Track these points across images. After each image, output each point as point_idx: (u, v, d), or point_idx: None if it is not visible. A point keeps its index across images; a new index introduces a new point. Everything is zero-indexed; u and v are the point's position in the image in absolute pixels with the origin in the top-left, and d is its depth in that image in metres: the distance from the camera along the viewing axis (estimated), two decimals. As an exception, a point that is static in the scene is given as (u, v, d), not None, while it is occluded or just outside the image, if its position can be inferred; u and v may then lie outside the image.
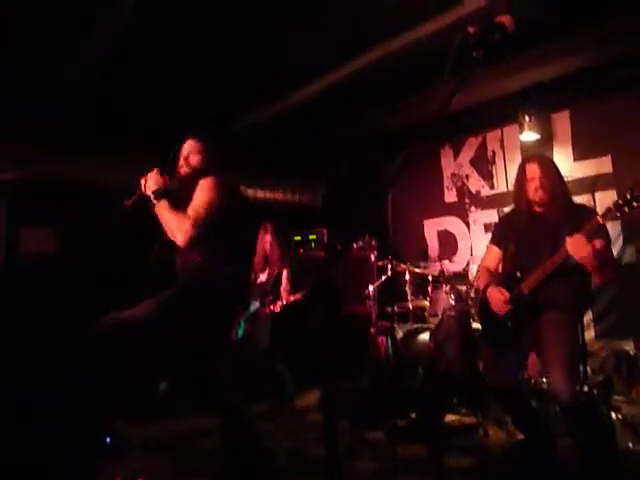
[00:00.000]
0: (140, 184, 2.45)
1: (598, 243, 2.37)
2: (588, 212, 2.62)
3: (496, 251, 2.90)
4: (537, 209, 2.70)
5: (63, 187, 4.71)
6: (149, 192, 2.39)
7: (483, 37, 1.23)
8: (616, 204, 2.28)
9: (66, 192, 4.71)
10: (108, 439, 2.85)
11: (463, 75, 1.26)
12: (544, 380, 3.49)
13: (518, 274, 2.59)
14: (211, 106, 4.93)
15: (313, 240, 5.80)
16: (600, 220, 2.33)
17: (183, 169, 2.53)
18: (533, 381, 3.57)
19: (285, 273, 4.54)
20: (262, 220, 4.83)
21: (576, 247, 2.33)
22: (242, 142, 5.56)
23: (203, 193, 2.33)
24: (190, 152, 2.56)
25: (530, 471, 2.70)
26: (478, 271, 2.99)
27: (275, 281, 4.53)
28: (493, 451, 3.14)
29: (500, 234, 2.91)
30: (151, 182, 2.40)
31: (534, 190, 2.64)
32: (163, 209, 2.34)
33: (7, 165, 4.33)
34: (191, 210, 2.30)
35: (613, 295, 4.29)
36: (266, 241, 4.57)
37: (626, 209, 2.25)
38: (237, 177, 2.62)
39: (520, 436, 3.12)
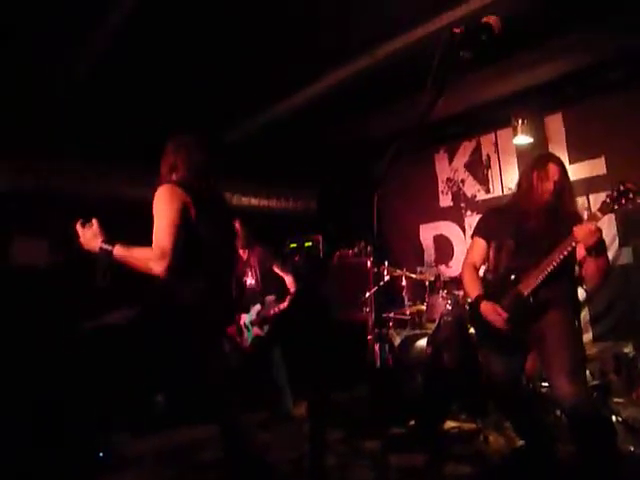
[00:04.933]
0: (83, 247, 2.27)
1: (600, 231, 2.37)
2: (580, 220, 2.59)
3: (482, 245, 2.80)
4: (544, 211, 2.62)
5: (56, 199, 4.69)
6: (98, 248, 2.21)
7: (469, 37, 1.21)
8: (611, 196, 2.30)
9: (59, 204, 4.69)
10: (101, 454, 2.81)
11: (451, 76, 1.24)
12: (543, 384, 3.46)
13: (512, 277, 2.54)
14: (203, 118, 4.92)
15: (309, 247, 5.77)
16: (599, 214, 2.32)
17: None
18: (531, 385, 3.53)
19: (276, 268, 4.44)
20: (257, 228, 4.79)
21: (585, 234, 2.31)
22: (235, 151, 5.56)
23: (155, 209, 2.21)
24: None
25: (530, 478, 2.66)
26: (463, 268, 2.85)
27: (267, 279, 4.43)
28: (493, 458, 3.10)
29: (488, 227, 2.80)
30: (92, 239, 2.24)
31: (549, 190, 2.60)
32: (122, 252, 2.20)
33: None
34: (154, 235, 2.17)
35: (610, 297, 4.27)
36: None
37: (623, 200, 2.27)
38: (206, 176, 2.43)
39: (520, 442, 3.09)
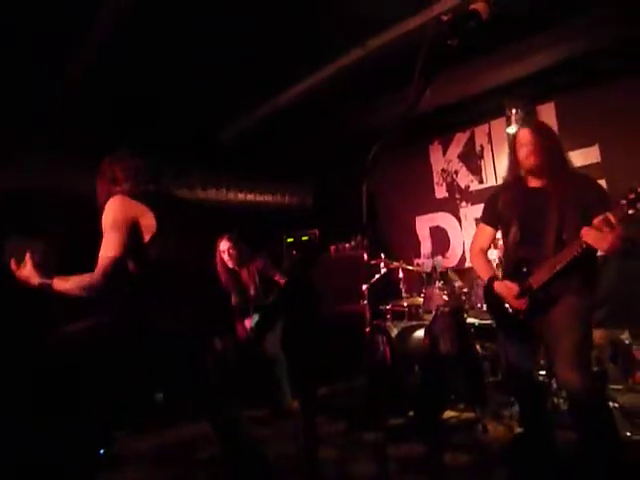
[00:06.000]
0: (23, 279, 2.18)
1: (618, 228, 2.18)
2: (592, 185, 2.47)
3: (489, 231, 2.76)
4: (533, 183, 2.55)
5: (49, 199, 4.67)
6: (37, 284, 2.14)
7: (457, 25, 1.21)
8: (630, 199, 2.11)
9: (52, 204, 4.68)
10: (102, 450, 2.82)
11: (439, 66, 1.23)
12: (540, 372, 3.47)
13: (524, 269, 2.48)
14: (197, 116, 4.92)
15: (305, 241, 5.77)
16: (612, 218, 2.17)
17: None
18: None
19: (277, 277, 4.47)
20: (252, 222, 4.78)
21: (597, 237, 2.19)
22: (230, 147, 5.55)
23: (103, 224, 2.14)
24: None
25: (530, 465, 2.67)
26: (472, 255, 2.82)
27: (269, 288, 4.45)
28: (492, 447, 3.11)
29: (492, 212, 2.72)
30: (29, 276, 2.16)
31: (525, 156, 2.49)
32: (61, 285, 2.12)
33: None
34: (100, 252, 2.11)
35: (606, 285, 4.28)
36: (225, 257, 4.33)
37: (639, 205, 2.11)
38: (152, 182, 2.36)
39: (518, 430, 3.10)
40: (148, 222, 2.18)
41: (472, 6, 1.26)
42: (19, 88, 4.09)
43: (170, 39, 3.69)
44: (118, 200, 2.18)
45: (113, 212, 2.14)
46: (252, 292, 4.42)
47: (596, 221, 2.24)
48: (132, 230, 2.15)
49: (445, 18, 1.23)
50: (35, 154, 4.61)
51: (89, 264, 2.14)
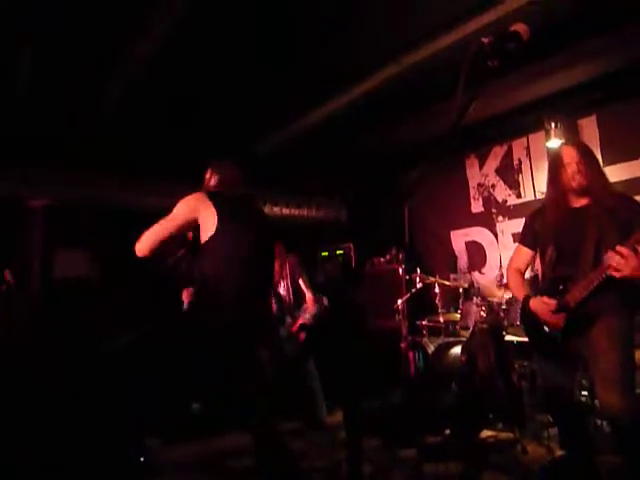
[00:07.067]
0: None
1: None
2: (631, 203, 2.42)
3: (526, 252, 2.72)
4: (575, 203, 2.50)
5: (95, 211, 4.86)
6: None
7: (498, 46, 1.22)
8: None
9: (98, 216, 4.87)
10: (142, 458, 2.89)
11: (479, 85, 1.25)
12: (582, 393, 3.37)
13: (561, 287, 2.43)
14: (236, 129, 5.03)
15: (340, 255, 5.80)
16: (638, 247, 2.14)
17: None
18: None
19: (302, 282, 4.47)
20: (287, 236, 4.82)
21: (621, 263, 2.15)
22: (267, 162, 5.65)
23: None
24: None
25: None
26: (508, 275, 2.79)
27: (297, 290, 4.46)
28: (532, 468, 3.03)
29: (531, 234, 2.70)
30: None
31: (571, 176, 2.44)
32: None
33: (39, 192, 4.50)
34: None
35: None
36: None
37: None
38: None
39: (559, 452, 3.02)
40: (209, 222, 2.36)
41: (513, 27, 1.27)
42: (69, 101, 4.29)
43: (209, 57, 3.80)
44: (192, 198, 2.42)
45: (179, 208, 2.39)
46: (283, 291, 4.43)
47: (628, 241, 2.18)
48: (185, 229, 2.41)
49: (485, 40, 1.25)
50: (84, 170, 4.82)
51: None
